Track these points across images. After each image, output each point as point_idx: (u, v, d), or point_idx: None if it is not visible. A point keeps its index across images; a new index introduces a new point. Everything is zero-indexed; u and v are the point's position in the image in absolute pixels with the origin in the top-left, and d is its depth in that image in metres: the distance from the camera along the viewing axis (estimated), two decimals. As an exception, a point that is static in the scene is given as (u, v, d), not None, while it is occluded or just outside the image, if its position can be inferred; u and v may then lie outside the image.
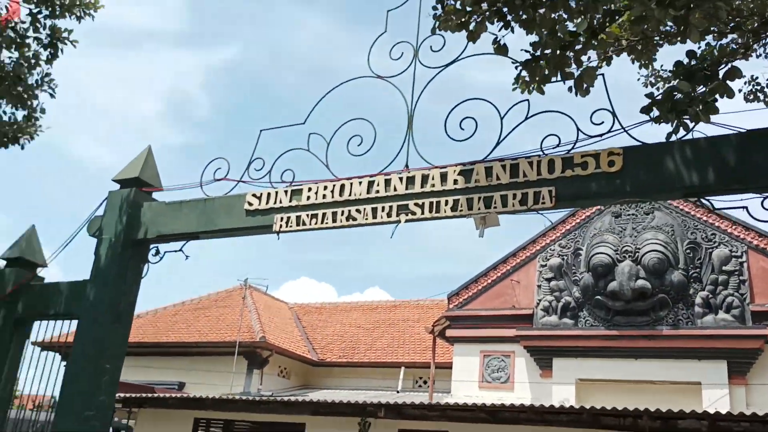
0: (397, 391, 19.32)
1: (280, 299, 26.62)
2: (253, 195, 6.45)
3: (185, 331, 21.40)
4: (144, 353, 19.66)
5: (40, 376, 7.09)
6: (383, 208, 5.85)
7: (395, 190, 5.85)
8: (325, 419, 13.28)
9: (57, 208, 66.10)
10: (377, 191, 5.91)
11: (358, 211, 5.94)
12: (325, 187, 6.16)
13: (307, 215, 6.17)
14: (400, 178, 5.86)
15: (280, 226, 6.23)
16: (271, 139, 6.74)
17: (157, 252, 6.96)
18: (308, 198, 6.21)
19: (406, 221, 5.74)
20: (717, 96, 4.70)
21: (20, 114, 7.02)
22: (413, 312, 24.16)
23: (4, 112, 6.98)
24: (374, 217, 5.87)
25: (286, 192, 6.32)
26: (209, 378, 19.14)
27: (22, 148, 7.20)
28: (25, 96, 6.64)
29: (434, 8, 6.05)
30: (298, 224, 6.18)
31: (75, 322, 7.08)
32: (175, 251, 6.90)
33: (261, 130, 6.64)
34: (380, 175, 5.95)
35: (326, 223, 6.08)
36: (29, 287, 7.37)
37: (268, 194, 6.40)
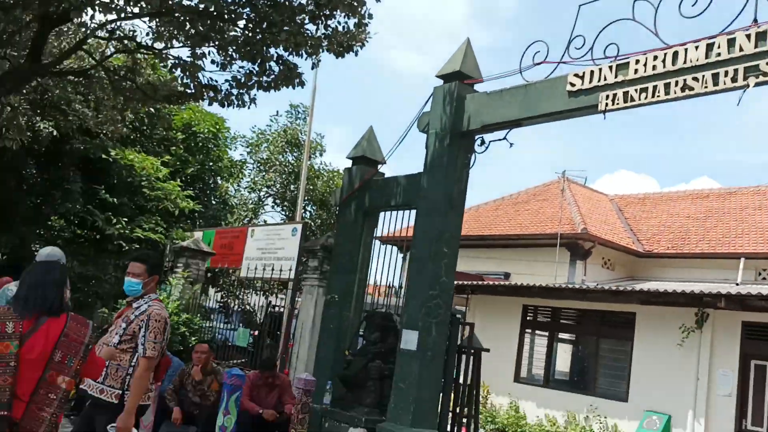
0: (737, 283, 17.76)
1: (599, 191, 25.88)
2: (576, 75, 6.23)
3: (507, 225, 22.06)
4: (470, 245, 20.76)
5: (384, 266, 8.00)
6: (726, 73, 5.21)
7: (741, 50, 5.15)
8: (657, 309, 12.83)
9: (381, 118, 71.83)
10: (718, 54, 5.27)
11: (695, 79, 5.38)
12: (656, 57, 5.68)
13: (636, 90, 5.78)
14: (748, 36, 5.13)
15: (606, 104, 5.94)
16: (590, 17, 6.38)
17: (482, 142, 7.18)
18: (636, 71, 5.79)
19: (756, 85, 5.05)
20: None
21: (351, 22, 7.64)
22: (752, 199, 21.68)
23: (338, 23, 7.66)
24: (715, 84, 5.27)
25: (610, 68, 5.98)
26: (533, 268, 19.58)
27: (356, 54, 7.88)
28: (355, 3, 7.18)
29: None
30: (625, 101, 5.83)
31: (410, 214, 7.76)
32: (499, 140, 7.05)
33: (579, 5, 6.30)
34: (722, 35, 5.28)
35: (657, 96, 5.64)
36: (373, 182, 8.20)
37: (591, 72, 6.12)
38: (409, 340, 6.92)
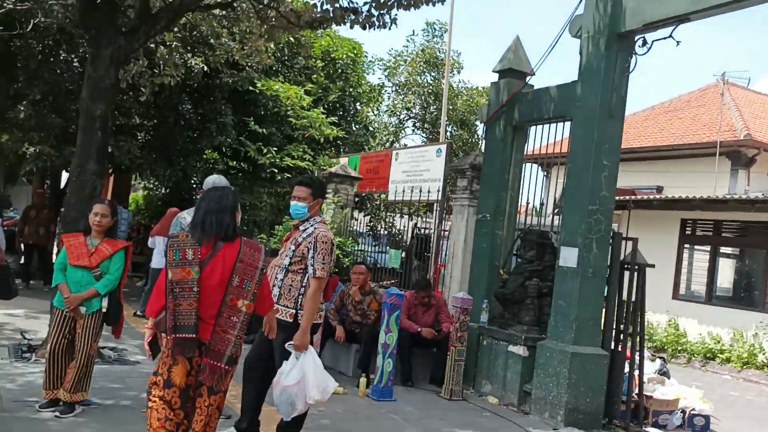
0: None
1: (764, 93, 23.59)
2: (756, -44, 5.53)
3: (659, 135, 20.73)
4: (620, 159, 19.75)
5: (533, 184, 7.69)
6: None
7: None
8: (839, 218, 11.68)
9: (520, 31, 68.74)
10: None
11: None
12: None
13: (833, -34, 5.03)
14: None
15: (795, -14, 5.24)
16: None
17: (644, 42, 6.61)
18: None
19: None
20: None
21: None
22: None
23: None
24: None
25: (801, -57, 5.24)
26: (688, 180, 18.36)
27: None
28: None
29: None
30: (820, -20, 5.11)
31: (556, 128, 7.39)
32: (664, 39, 6.45)
33: None
34: None
35: None
36: (522, 95, 7.85)
37: (777, -49, 5.40)
38: (569, 257, 6.70)
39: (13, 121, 10.39)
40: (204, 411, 3.58)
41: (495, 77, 8.29)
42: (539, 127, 7.79)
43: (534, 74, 7.90)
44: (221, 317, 3.54)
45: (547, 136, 7.73)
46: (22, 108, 9.95)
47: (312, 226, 4.64)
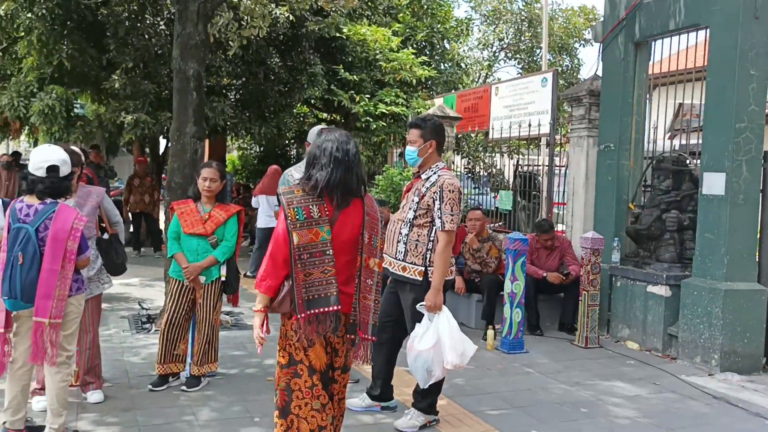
0: None
1: None
2: None
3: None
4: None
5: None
6: None
7: None
8: None
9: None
10: None
11: None
12: None
13: None
14: None
15: None
16: None
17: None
18: None
19: None
20: None
21: None
22: None
23: None
24: None
25: None
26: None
27: None
28: None
29: None
30: None
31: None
32: None
33: None
34: None
35: None
36: (643, 6, 6.98)
37: None
38: (714, 183, 5.95)
39: (108, 92, 10.34)
40: (339, 393, 3.20)
41: (608, -9, 7.45)
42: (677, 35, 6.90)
43: (655, -19, 7.00)
44: (360, 281, 3.05)
45: (660, 53, 6.97)
46: (116, 77, 9.85)
47: (435, 173, 4.15)
